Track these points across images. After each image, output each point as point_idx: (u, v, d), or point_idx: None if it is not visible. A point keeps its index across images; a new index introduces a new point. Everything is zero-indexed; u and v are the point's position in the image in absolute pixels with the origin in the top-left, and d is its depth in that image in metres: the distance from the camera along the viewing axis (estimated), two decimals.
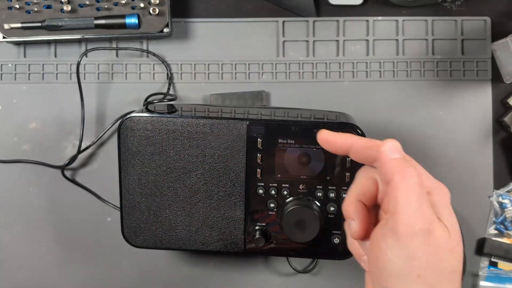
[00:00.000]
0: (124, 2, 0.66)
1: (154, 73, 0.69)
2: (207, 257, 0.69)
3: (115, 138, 0.69)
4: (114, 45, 0.69)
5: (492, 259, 0.68)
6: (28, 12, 0.66)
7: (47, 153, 0.69)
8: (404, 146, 0.40)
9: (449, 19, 0.69)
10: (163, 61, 0.69)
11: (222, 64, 0.69)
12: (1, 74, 0.70)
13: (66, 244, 0.69)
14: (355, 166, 0.45)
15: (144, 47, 0.69)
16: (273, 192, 0.58)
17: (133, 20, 0.65)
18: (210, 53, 0.69)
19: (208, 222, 0.59)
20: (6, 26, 0.65)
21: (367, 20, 0.69)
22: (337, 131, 0.55)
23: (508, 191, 0.68)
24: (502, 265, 0.68)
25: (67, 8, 0.65)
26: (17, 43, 0.69)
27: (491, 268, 0.68)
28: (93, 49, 0.68)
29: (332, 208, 0.57)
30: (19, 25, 0.65)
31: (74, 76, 0.68)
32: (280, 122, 0.56)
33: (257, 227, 0.59)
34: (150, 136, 0.57)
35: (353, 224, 0.42)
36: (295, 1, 0.67)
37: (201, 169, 0.58)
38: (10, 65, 0.70)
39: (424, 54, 0.69)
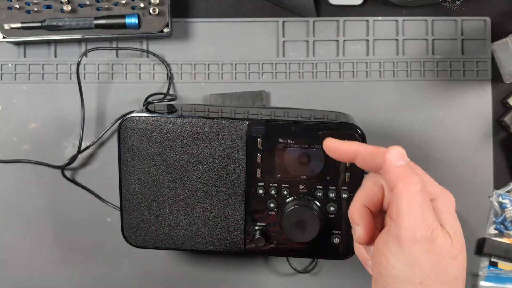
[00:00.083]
0: (124, 2, 0.66)
1: (154, 73, 0.69)
2: (207, 257, 0.69)
3: (115, 138, 0.69)
4: (114, 45, 0.69)
5: (492, 259, 0.68)
6: (28, 12, 0.66)
7: (47, 153, 0.69)
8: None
9: (449, 19, 0.69)
10: (163, 61, 0.69)
11: (222, 64, 0.69)
12: (1, 74, 0.70)
13: (66, 244, 0.69)
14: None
15: (144, 47, 0.69)
16: (273, 192, 0.58)
17: (133, 20, 0.65)
18: (210, 53, 0.69)
19: (208, 222, 0.59)
20: (6, 26, 0.65)
21: (367, 20, 0.69)
22: (337, 131, 0.55)
23: (508, 191, 0.68)
24: (502, 265, 0.68)
25: (67, 8, 0.65)
26: (17, 43, 0.69)
27: (491, 268, 0.68)
28: (93, 49, 0.69)
29: (332, 208, 0.57)
30: (19, 25, 0.65)
31: (74, 76, 0.68)
32: (280, 122, 0.56)
33: (257, 227, 0.59)
34: (150, 136, 0.57)
35: (358, 229, 0.43)
36: (295, 1, 0.67)
37: (201, 169, 0.58)
38: (10, 65, 0.70)
39: (424, 54, 0.69)
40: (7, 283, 0.69)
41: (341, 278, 0.69)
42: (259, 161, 0.57)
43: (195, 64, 0.69)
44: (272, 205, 0.58)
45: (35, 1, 0.66)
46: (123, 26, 0.66)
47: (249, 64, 0.69)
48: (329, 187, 0.57)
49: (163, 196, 0.59)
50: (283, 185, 0.57)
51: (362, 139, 0.55)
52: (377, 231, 0.43)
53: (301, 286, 0.69)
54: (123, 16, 0.65)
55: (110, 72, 0.69)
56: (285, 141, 0.56)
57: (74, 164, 0.69)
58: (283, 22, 0.69)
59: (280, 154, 0.57)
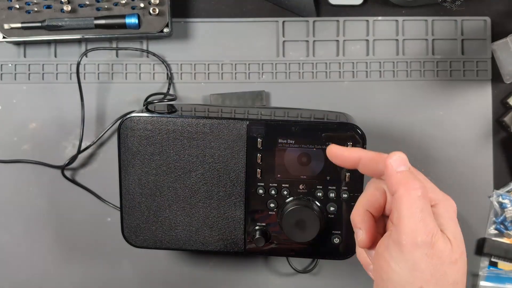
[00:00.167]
0: (124, 2, 0.66)
1: (154, 73, 0.69)
2: (207, 257, 0.69)
3: (115, 138, 0.69)
4: (114, 45, 0.69)
5: (492, 259, 0.68)
6: (28, 12, 0.66)
7: (47, 153, 0.69)
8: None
9: (449, 19, 0.69)
10: (163, 61, 0.69)
11: (222, 64, 0.69)
12: (1, 74, 0.70)
13: (66, 244, 0.69)
14: None
15: (144, 47, 0.69)
16: (273, 192, 0.58)
17: (133, 20, 0.65)
18: (210, 53, 0.69)
19: (208, 222, 0.59)
20: (6, 26, 0.65)
21: (367, 20, 0.69)
22: (337, 131, 0.55)
23: (508, 191, 0.68)
24: (502, 265, 0.68)
25: (67, 8, 0.65)
26: (17, 43, 0.69)
27: (491, 268, 0.68)
28: (93, 49, 0.69)
29: (332, 208, 0.57)
30: (19, 25, 0.65)
31: (74, 76, 0.68)
32: (280, 122, 0.56)
33: (257, 227, 0.59)
34: (150, 136, 0.57)
35: (360, 233, 0.43)
36: (295, 1, 0.67)
37: (201, 169, 0.58)
38: (10, 65, 0.70)
39: (424, 54, 0.69)
40: (7, 283, 0.69)
41: (341, 278, 0.69)
42: (259, 161, 0.57)
43: (195, 64, 0.69)
44: (272, 205, 0.58)
45: (35, 1, 0.66)
46: (123, 26, 0.66)
47: (249, 64, 0.69)
48: (329, 187, 0.57)
49: (163, 196, 0.59)
50: (283, 185, 0.57)
51: (362, 139, 0.55)
52: (378, 236, 0.43)
53: (301, 286, 0.69)
54: (123, 16, 0.65)
55: (110, 72, 0.69)
56: (285, 141, 0.56)
57: (74, 164, 0.69)
58: (283, 22, 0.69)
59: (280, 154, 0.57)
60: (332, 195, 0.57)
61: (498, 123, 0.69)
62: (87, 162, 0.69)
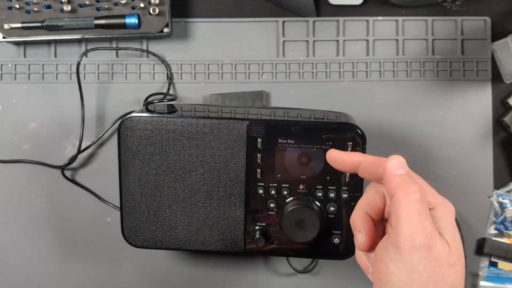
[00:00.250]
0: (124, 2, 0.66)
1: (154, 73, 0.69)
2: (207, 257, 0.69)
3: (115, 138, 0.69)
4: (114, 45, 0.69)
5: (492, 259, 0.68)
6: (28, 12, 0.66)
7: (47, 153, 0.69)
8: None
9: (449, 19, 0.69)
10: (163, 61, 0.69)
11: (222, 64, 0.69)
12: (1, 74, 0.70)
13: (66, 244, 0.69)
14: None
15: (144, 47, 0.69)
16: (273, 192, 0.58)
17: (133, 20, 0.65)
18: (210, 53, 0.69)
19: (208, 222, 0.59)
20: (6, 26, 0.65)
21: (367, 20, 0.69)
22: (337, 131, 0.55)
23: (508, 191, 0.68)
24: (502, 265, 0.68)
25: (67, 8, 0.65)
26: (17, 43, 0.69)
27: (491, 268, 0.68)
28: (93, 49, 0.69)
29: (332, 208, 0.57)
30: (19, 25, 0.65)
31: (74, 76, 0.68)
32: (280, 122, 0.56)
33: (257, 227, 0.59)
34: (150, 136, 0.57)
35: (359, 236, 0.44)
36: (295, 1, 0.67)
37: (201, 169, 0.58)
38: (10, 65, 0.70)
39: (424, 54, 0.69)
40: (7, 283, 0.69)
41: (341, 278, 0.69)
42: (259, 161, 0.57)
43: (195, 64, 0.69)
44: (272, 205, 0.58)
45: (35, 1, 0.66)
46: (123, 26, 0.66)
47: (249, 64, 0.69)
48: (329, 187, 0.57)
49: (163, 196, 0.59)
50: (283, 185, 0.57)
51: (362, 139, 0.55)
52: (378, 239, 0.43)
53: (301, 286, 0.69)
54: (123, 16, 0.65)
55: (110, 72, 0.69)
56: (285, 141, 0.56)
57: (74, 164, 0.69)
58: (283, 22, 0.69)
59: (280, 154, 0.57)
60: (332, 195, 0.57)
61: (498, 123, 0.69)
62: (87, 162, 0.69)
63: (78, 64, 0.67)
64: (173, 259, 0.69)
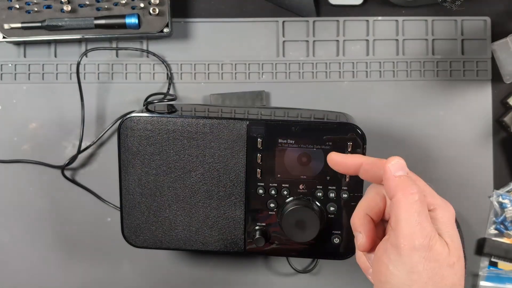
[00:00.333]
0: (124, 2, 0.66)
1: (154, 73, 0.69)
2: (207, 257, 0.69)
3: (115, 138, 0.69)
4: (114, 45, 0.69)
5: (492, 259, 0.68)
6: (28, 12, 0.66)
7: (47, 153, 0.69)
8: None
9: (449, 19, 0.69)
10: (163, 61, 0.69)
11: (222, 64, 0.69)
12: (1, 74, 0.70)
13: (66, 244, 0.69)
14: None
15: (144, 47, 0.69)
16: (273, 192, 0.58)
17: (133, 20, 0.65)
18: (210, 53, 0.69)
19: (208, 222, 0.59)
20: (6, 26, 0.65)
21: (367, 20, 0.69)
22: (337, 131, 0.55)
23: (508, 191, 0.68)
24: (502, 265, 0.68)
25: (67, 8, 0.65)
26: (17, 43, 0.69)
27: (491, 268, 0.68)
28: (93, 49, 0.69)
29: (332, 208, 0.57)
30: (19, 25, 0.65)
31: (74, 76, 0.68)
32: (280, 122, 0.56)
33: (257, 227, 0.59)
34: (150, 136, 0.57)
35: (359, 237, 0.44)
36: (295, 1, 0.67)
37: (201, 169, 0.58)
38: (10, 65, 0.70)
39: (424, 54, 0.69)
40: (7, 283, 0.69)
41: (341, 278, 0.69)
42: (259, 161, 0.57)
43: (195, 64, 0.69)
44: (272, 205, 0.58)
45: (35, 1, 0.66)
46: (123, 26, 0.66)
47: (249, 64, 0.69)
48: (329, 187, 0.57)
49: (163, 196, 0.59)
50: (283, 185, 0.57)
51: (362, 139, 0.55)
52: (378, 240, 0.44)
53: (301, 286, 0.69)
54: (123, 16, 0.65)
55: (110, 72, 0.69)
56: (285, 141, 0.56)
57: (74, 164, 0.69)
58: (283, 22, 0.69)
59: (280, 154, 0.57)
60: (332, 195, 0.57)
61: (498, 123, 0.69)
62: (87, 162, 0.69)
63: (78, 64, 0.67)
64: (173, 259, 0.69)
